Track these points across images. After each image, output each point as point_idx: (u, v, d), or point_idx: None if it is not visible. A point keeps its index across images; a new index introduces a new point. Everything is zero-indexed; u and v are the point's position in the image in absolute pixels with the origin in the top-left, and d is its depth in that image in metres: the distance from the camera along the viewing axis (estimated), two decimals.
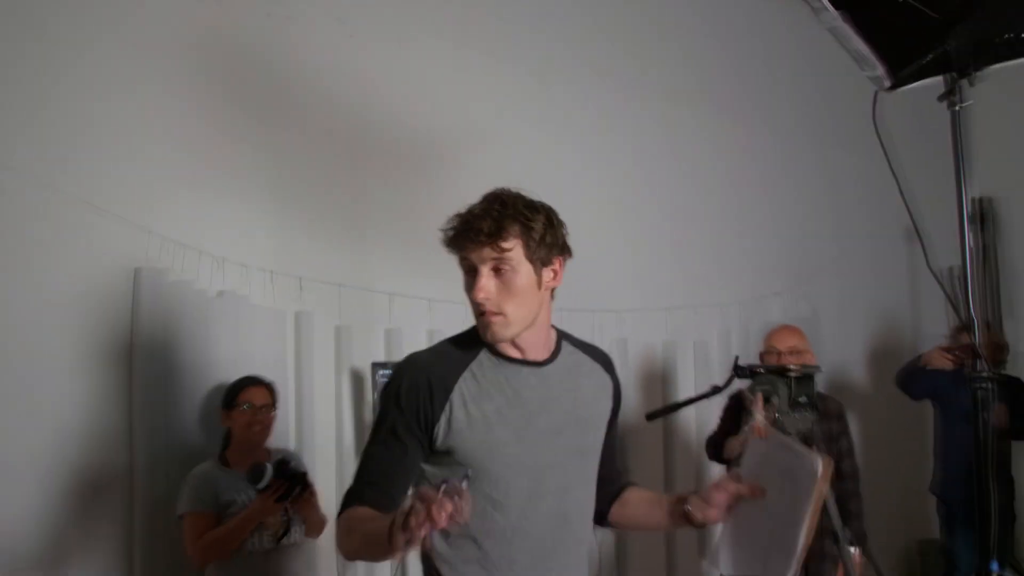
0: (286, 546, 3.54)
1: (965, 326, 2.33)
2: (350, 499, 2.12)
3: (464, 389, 2.15)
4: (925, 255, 2.38)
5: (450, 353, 2.23)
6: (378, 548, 1.93)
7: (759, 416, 2.56)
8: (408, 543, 1.73)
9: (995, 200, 8.55)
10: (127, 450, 3.62)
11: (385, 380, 2.30)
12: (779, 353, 4.24)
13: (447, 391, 2.13)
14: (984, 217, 8.37)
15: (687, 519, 2.36)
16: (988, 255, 8.41)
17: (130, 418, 3.63)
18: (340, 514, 2.11)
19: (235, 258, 3.93)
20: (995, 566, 2.02)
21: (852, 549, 4.01)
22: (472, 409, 2.13)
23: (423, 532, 1.70)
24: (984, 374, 2.13)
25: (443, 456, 2.14)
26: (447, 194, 4.42)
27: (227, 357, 3.87)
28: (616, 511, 2.49)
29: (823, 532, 3.91)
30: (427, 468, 2.18)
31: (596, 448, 2.36)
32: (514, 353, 2.22)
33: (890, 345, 6.92)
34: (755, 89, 6.52)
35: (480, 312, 2.17)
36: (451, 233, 2.20)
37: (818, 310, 6.42)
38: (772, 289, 6.29)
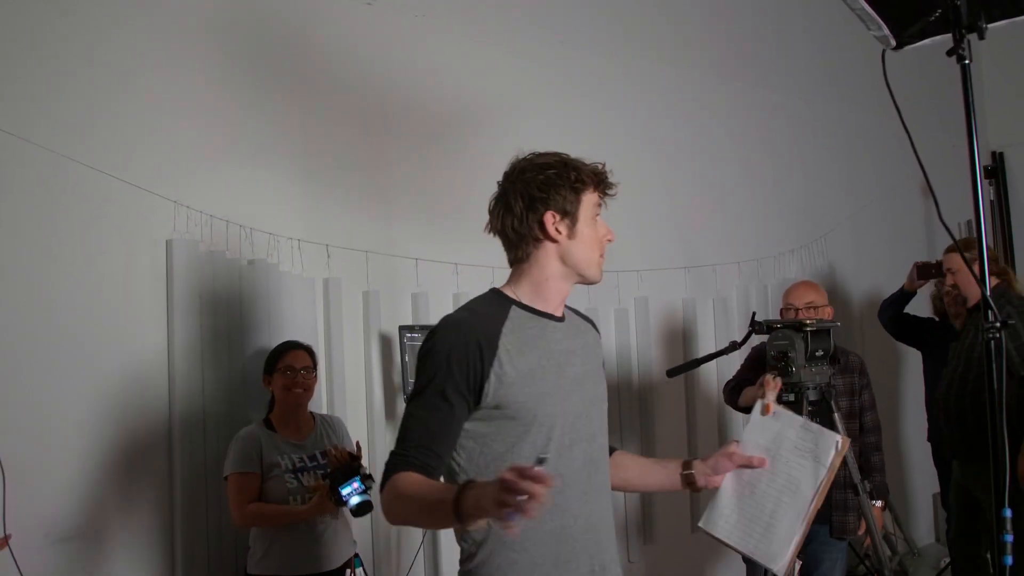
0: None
1: (978, 280, 2.38)
2: (398, 463, 2.15)
3: (508, 344, 2.21)
4: (937, 209, 2.44)
5: (485, 312, 2.28)
6: (436, 517, 2.03)
7: (771, 395, 2.63)
8: (493, 521, 1.81)
9: (1006, 154, 8.58)
10: (167, 416, 3.74)
11: (421, 342, 2.26)
12: (797, 309, 4.31)
13: (494, 348, 2.19)
14: (996, 171, 8.42)
15: (688, 483, 2.50)
16: (1001, 207, 8.45)
17: (169, 385, 3.74)
18: (387, 477, 2.14)
19: (263, 228, 4.02)
20: (1008, 512, 2.10)
21: (874, 503, 4.09)
22: (518, 363, 2.20)
23: (515, 527, 1.75)
24: (996, 323, 2.20)
25: (490, 411, 2.19)
26: (468, 163, 4.55)
27: (260, 324, 3.98)
28: (611, 472, 2.53)
29: (845, 485, 4.02)
30: (470, 426, 2.21)
31: (606, 398, 2.49)
32: (542, 308, 2.32)
33: None
34: (769, 49, 6.56)
35: (600, 254, 2.36)
36: (600, 173, 2.33)
37: (835, 265, 6.49)
38: (790, 246, 6.35)
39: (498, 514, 1.77)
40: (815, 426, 2.44)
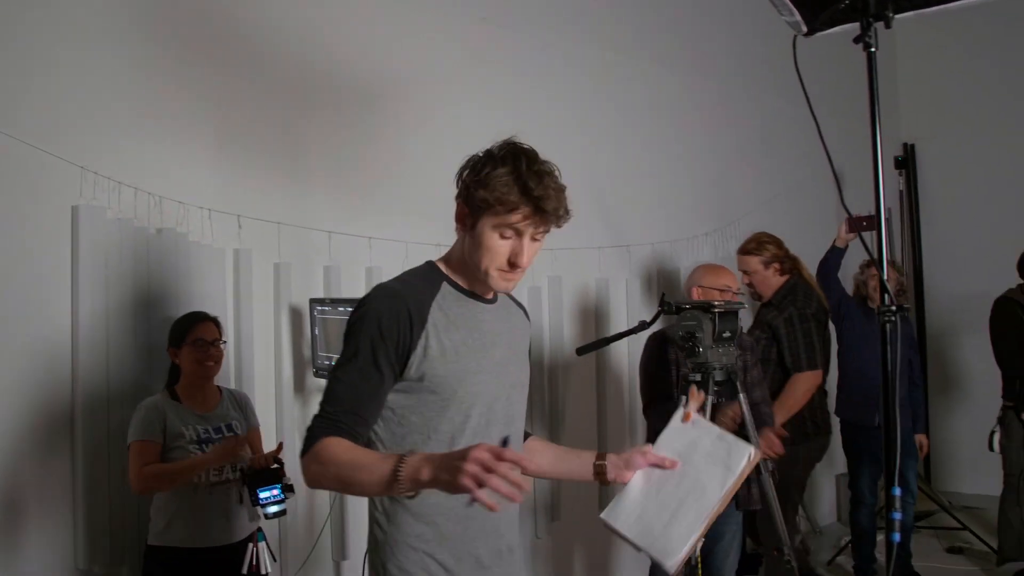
0: (229, 479, 3.64)
1: (875, 262, 2.45)
2: (327, 426, 2.14)
3: (436, 319, 2.24)
4: (840, 194, 2.51)
5: (417, 285, 2.30)
6: (365, 483, 2.03)
7: (693, 405, 2.67)
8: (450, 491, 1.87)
9: (917, 146, 8.77)
10: (70, 388, 3.67)
11: (351, 310, 2.28)
12: (720, 290, 4.41)
13: (423, 321, 2.21)
14: (906, 162, 8.61)
15: (598, 474, 2.56)
16: (910, 198, 8.66)
17: (73, 355, 3.66)
18: (314, 440, 2.12)
19: (173, 196, 3.95)
20: (897, 491, 2.15)
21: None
22: (444, 338, 2.23)
23: (492, 502, 1.80)
24: (892, 307, 2.25)
25: (413, 383, 2.22)
26: (386, 138, 4.52)
27: (168, 294, 3.92)
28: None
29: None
30: (391, 397, 2.24)
31: (527, 384, 2.51)
32: (472, 287, 2.36)
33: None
34: (690, 34, 6.62)
35: (505, 271, 2.28)
36: (523, 206, 2.24)
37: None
38: (704, 229, 6.43)
39: (456, 485, 1.81)
40: (731, 436, 2.47)
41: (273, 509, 3.56)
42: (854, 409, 5.78)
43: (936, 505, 7.41)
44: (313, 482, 2.14)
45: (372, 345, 2.17)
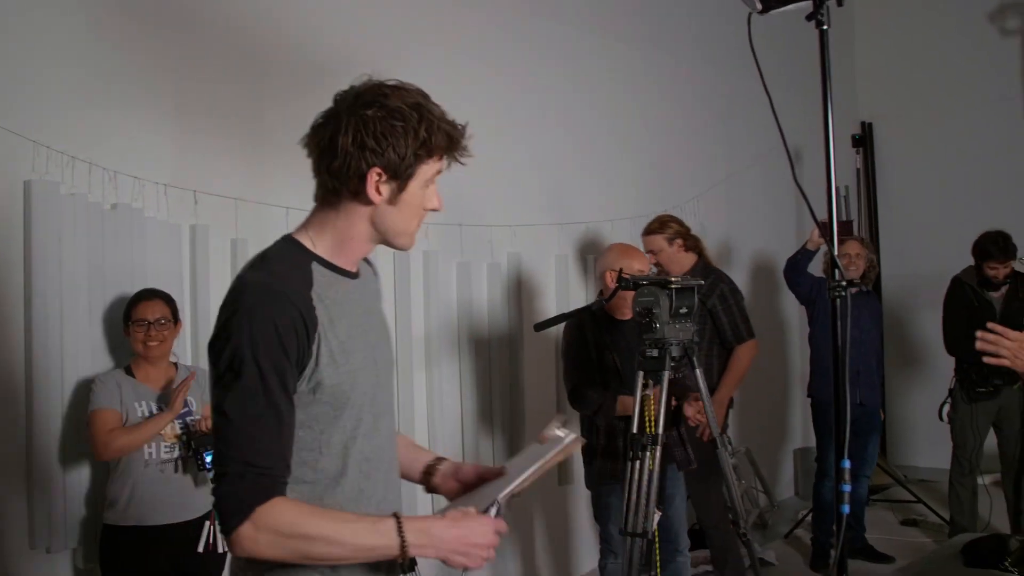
0: (181, 456, 3.65)
1: (825, 239, 2.47)
2: (258, 486, 1.76)
3: (322, 315, 1.88)
4: (792, 170, 2.52)
5: (291, 275, 1.90)
6: (352, 555, 1.82)
7: (550, 428, 2.37)
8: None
9: (875, 124, 8.85)
10: (23, 367, 3.63)
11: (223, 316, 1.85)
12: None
13: (314, 321, 1.86)
14: (864, 140, 8.69)
15: (426, 475, 2.27)
16: (867, 176, 8.74)
17: (26, 333, 3.63)
18: (253, 505, 1.74)
19: (128, 171, 3.91)
20: (846, 463, 2.19)
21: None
22: (331, 338, 1.89)
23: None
24: (843, 283, 2.28)
25: (305, 396, 1.87)
26: None
27: (123, 271, 3.88)
28: None
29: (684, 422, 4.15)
30: None
31: (393, 357, 2.25)
32: (342, 264, 2.00)
33: (776, 260, 7.17)
34: (650, 9, 6.62)
35: (419, 224, 2.03)
36: (456, 140, 1.97)
37: (707, 227, 6.62)
38: (663, 206, 6.45)
39: (469, 568, 1.79)
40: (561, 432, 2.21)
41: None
42: (826, 388, 5.84)
43: (891, 479, 7.52)
44: (266, 554, 1.78)
45: (276, 366, 1.79)
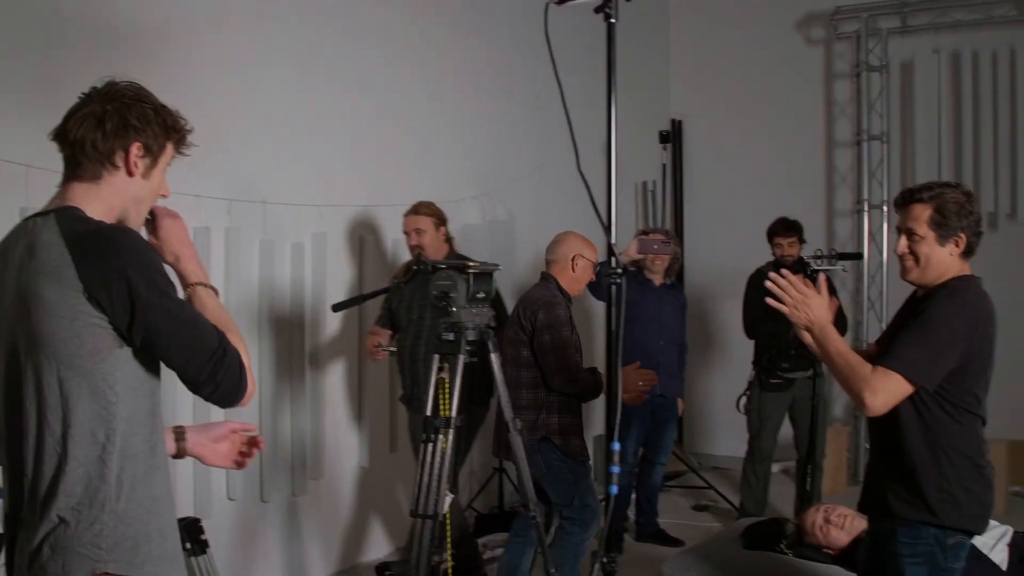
0: None
1: (604, 227, 2.53)
2: None
3: None
4: (577, 160, 2.57)
5: None
6: None
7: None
8: None
9: (684, 122, 9.12)
10: None
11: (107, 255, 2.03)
12: (592, 262, 4.81)
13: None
14: (671, 136, 8.94)
15: (177, 441, 2.39)
16: (675, 171, 9.00)
17: None
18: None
19: None
20: (616, 446, 2.23)
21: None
22: None
23: None
24: (618, 270, 2.33)
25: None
26: (149, 81, 4.29)
27: None
28: None
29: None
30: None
31: None
32: None
33: None
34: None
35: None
36: (184, 132, 2.25)
37: (514, 214, 6.68)
38: (472, 192, 6.48)
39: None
40: None
41: None
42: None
43: (685, 466, 7.77)
44: None
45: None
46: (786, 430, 6.39)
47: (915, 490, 2.96)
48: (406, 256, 5.65)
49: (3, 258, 2.11)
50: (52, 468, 1.98)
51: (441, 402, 3.88)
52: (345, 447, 5.64)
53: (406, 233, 5.19)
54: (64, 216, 2.07)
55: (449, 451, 3.84)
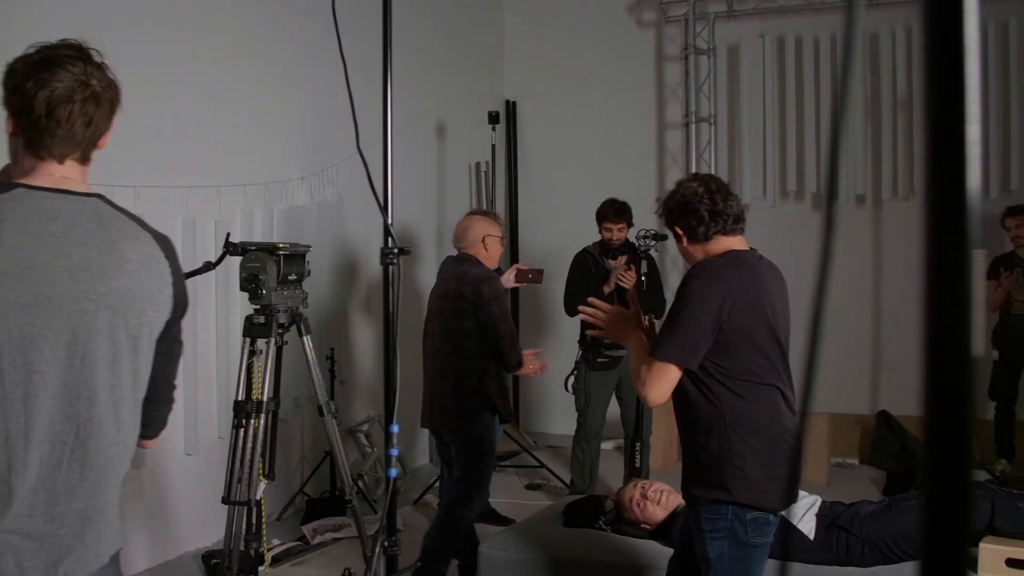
0: None
1: (381, 208, 2.53)
2: None
3: None
4: (357, 140, 2.56)
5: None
6: None
7: None
8: None
9: (519, 103, 9.19)
10: None
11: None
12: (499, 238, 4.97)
13: None
14: (500, 116, 8.99)
15: None
16: (509, 152, 9.05)
17: None
18: None
19: None
20: (395, 428, 2.24)
21: None
22: None
23: None
24: (395, 250, 2.33)
25: None
26: None
27: None
28: None
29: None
30: None
31: None
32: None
33: (413, 231, 7.28)
34: None
35: None
36: None
37: (343, 196, 6.62)
38: (300, 173, 6.39)
39: None
40: None
41: None
42: None
43: (518, 446, 7.85)
44: None
45: None
46: (615, 408, 6.50)
47: (710, 469, 3.04)
48: (240, 237, 5.55)
49: None
50: None
51: (253, 386, 3.84)
52: (168, 436, 5.50)
53: None
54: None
55: (261, 435, 3.80)
